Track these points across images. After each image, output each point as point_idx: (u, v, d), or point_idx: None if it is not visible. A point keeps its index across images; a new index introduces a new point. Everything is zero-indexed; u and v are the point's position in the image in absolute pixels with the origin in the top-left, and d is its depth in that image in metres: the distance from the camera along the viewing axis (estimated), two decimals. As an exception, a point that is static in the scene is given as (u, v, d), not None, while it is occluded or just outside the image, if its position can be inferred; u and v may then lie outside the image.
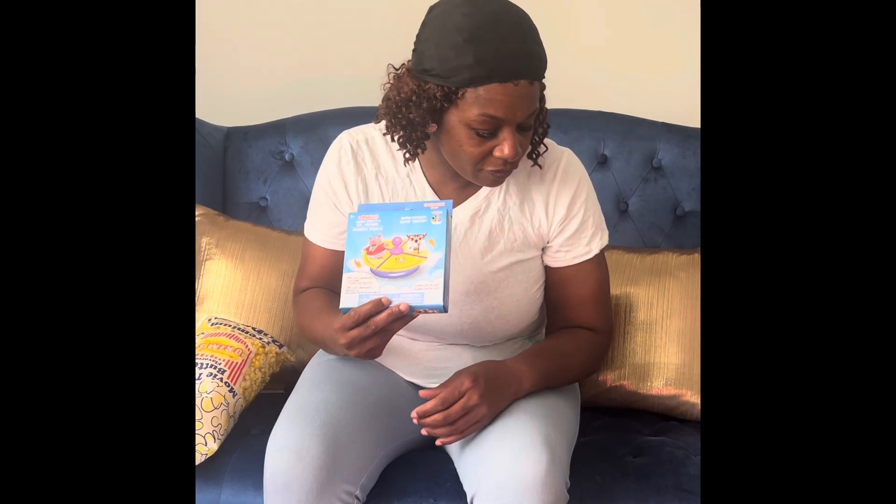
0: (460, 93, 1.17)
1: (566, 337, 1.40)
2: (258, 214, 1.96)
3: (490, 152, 1.21)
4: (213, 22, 2.02)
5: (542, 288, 1.43)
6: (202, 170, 1.87)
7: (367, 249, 1.20)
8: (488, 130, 1.19)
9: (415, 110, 1.21)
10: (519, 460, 1.21)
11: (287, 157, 1.96)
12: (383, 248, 1.19)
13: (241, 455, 1.46)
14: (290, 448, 1.24)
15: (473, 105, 1.17)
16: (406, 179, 1.35)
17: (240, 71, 2.13)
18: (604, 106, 1.94)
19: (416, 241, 1.19)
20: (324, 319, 1.29)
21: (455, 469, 1.36)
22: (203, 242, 1.76)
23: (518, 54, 1.16)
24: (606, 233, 1.41)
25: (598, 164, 1.88)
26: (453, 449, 1.37)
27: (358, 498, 1.28)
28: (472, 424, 1.24)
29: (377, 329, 1.16)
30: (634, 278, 1.66)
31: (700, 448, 1.50)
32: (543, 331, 1.53)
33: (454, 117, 1.20)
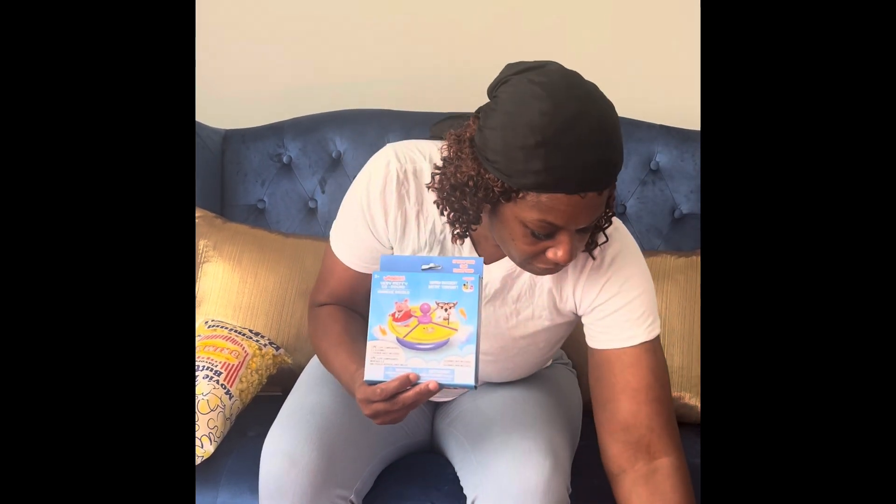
0: (522, 194, 1.07)
1: None
2: (256, 217, 1.95)
3: (543, 251, 1.12)
4: (212, 24, 2.02)
5: (562, 342, 1.38)
6: (200, 172, 1.87)
7: (393, 315, 1.13)
8: (545, 233, 1.09)
9: (469, 199, 1.11)
10: (522, 465, 1.21)
11: (285, 159, 1.96)
12: (410, 315, 1.12)
13: (238, 457, 1.46)
14: (284, 453, 1.23)
15: (534, 208, 1.07)
16: (447, 226, 1.23)
17: (238, 73, 2.13)
18: (602, 108, 1.93)
19: (446, 309, 1.12)
20: (342, 356, 1.22)
21: (452, 473, 1.36)
22: (201, 244, 1.76)
23: (591, 166, 1.04)
24: (658, 322, 1.24)
25: (596, 167, 1.88)
26: (453, 452, 1.37)
27: (353, 502, 1.28)
28: None
29: (404, 406, 1.11)
30: (632, 281, 1.66)
31: (699, 451, 1.50)
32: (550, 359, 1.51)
33: (510, 211, 1.10)
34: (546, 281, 1.25)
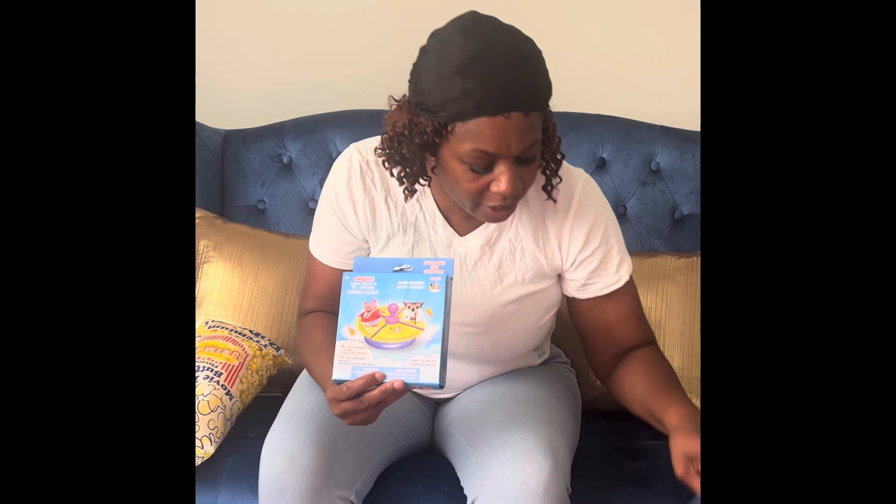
0: (450, 127, 1.11)
1: (653, 366, 1.30)
2: (256, 217, 1.95)
3: (487, 187, 1.15)
4: (211, 24, 2.02)
5: (554, 314, 1.39)
6: (200, 173, 1.87)
7: (362, 315, 1.15)
8: (482, 165, 1.13)
9: (407, 146, 1.17)
10: (521, 466, 1.21)
11: (285, 160, 1.96)
12: (378, 315, 1.14)
13: (238, 459, 1.46)
14: (283, 453, 1.23)
15: (464, 140, 1.11)
16: (416, 204, 1.29)
17: (238, 74, 2.13)
18: (602, 109, 1.93)
19: (413, 309, 1.13)
20: (322, 362, 1.24)
21: (453, 473, 1.36)
22: (201, 245, 1.76)
23: (509, 85, 1.09)
24: (629, 259, 1.33)
25: (596, 168, 1.88)
26: (453, 452, 1.37)
27: (353, 503, 1.28)
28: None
29: (370, 405, 1.13)
30: (633, 281, 1.66)
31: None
32: (549, 342, 1.52)
33: (447, 152, 1.14)
34: (528, 242, 1.29)
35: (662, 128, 1.90)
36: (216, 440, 1.46)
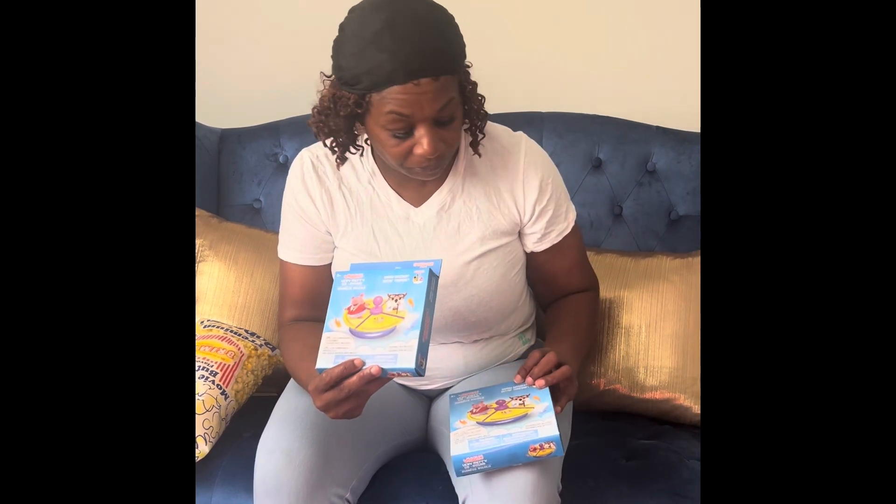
0: (368, 98, 1.19)
1: (570, 312, 1.43)
2: (252, 216, 1.95)
3: (411, 150, 1.22)
4: (208, 23, 2.01)
5: (522, 272, 1.43)
6: (196, 171, 1.86)
7: (349, 308, 1.19)
8: (402, 130, 1.20)
9: (333, 119, 1.24)
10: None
11: (281, 159, 1.96)
12: (364, 308, 1.18)
13: (233, 458, 1.46)
14: (279, 451, 1.23)
15: (381, 108, 1.18)
16: (369, 186, 1.36)
17: (234, 73, 2.12)
18: (599, 110, 1.94)
19: (397, 300, 1.17)
20: (305, 369, 1.25)
21: (447, 472, 1.36)
22: (197, 244, 1.76)
23: (415, 53, 1.15)
24: (572, 204, 1.44)
25: (592, 168, 1.88)
26: (445, 451, 1.37)
27: (349, 501, 1.28)
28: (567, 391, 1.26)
29: (350, 392, 1.14)
30: (628, 282, 1.66)
31: (693, 452, 1.50)
32: (534, 331, 1.53)
33: (371, 121, 1.21)
34: (482, 202, 1.36)
35: (659, 128, 1.90)
36: (211, 440, 1.46)
